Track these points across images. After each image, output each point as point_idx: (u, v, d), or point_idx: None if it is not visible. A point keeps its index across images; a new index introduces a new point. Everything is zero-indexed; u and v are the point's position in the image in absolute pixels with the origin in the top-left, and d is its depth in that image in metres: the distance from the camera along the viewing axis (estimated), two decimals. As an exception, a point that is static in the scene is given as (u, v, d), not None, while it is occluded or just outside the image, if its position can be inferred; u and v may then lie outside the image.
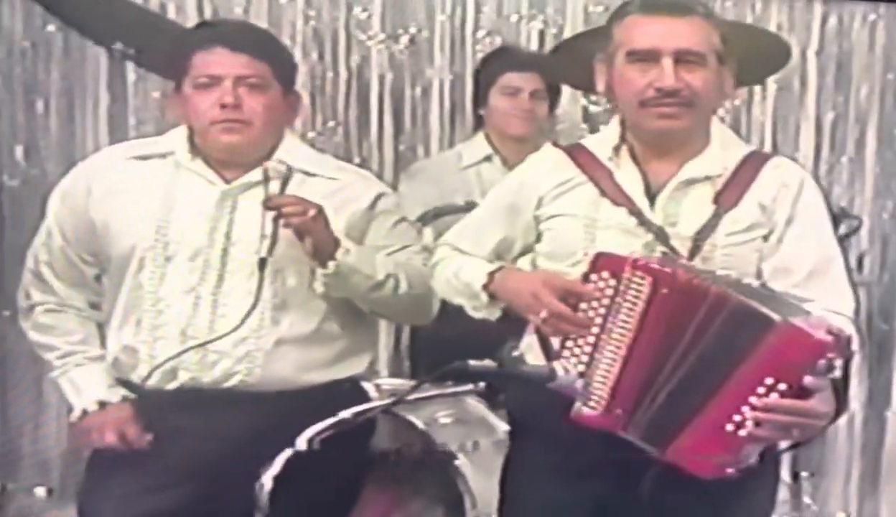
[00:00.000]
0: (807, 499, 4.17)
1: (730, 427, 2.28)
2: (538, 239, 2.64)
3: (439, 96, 4.64)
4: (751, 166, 2.57)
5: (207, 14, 4.45)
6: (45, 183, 4.07)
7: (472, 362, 2.29)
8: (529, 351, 2.53)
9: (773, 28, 4.49)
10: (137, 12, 4.14)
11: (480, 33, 4.59)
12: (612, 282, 2.40)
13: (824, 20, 4.62)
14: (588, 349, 2.41)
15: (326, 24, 4.56)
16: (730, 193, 2.53)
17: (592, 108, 4.47)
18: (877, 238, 4.63)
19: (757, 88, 4.57)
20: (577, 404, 2.40)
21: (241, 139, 2.70)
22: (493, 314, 2.64)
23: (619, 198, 2.54)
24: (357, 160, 4.40)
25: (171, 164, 2.80)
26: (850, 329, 2.37)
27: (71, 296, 2.87)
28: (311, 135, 4.38)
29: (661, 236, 2.50)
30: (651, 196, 2.54)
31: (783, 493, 4.20)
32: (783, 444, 2.40)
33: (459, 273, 2.66)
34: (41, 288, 2.88)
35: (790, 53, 3.91)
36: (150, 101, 4.42)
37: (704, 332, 2.33)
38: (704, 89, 2.49)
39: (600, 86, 2.61)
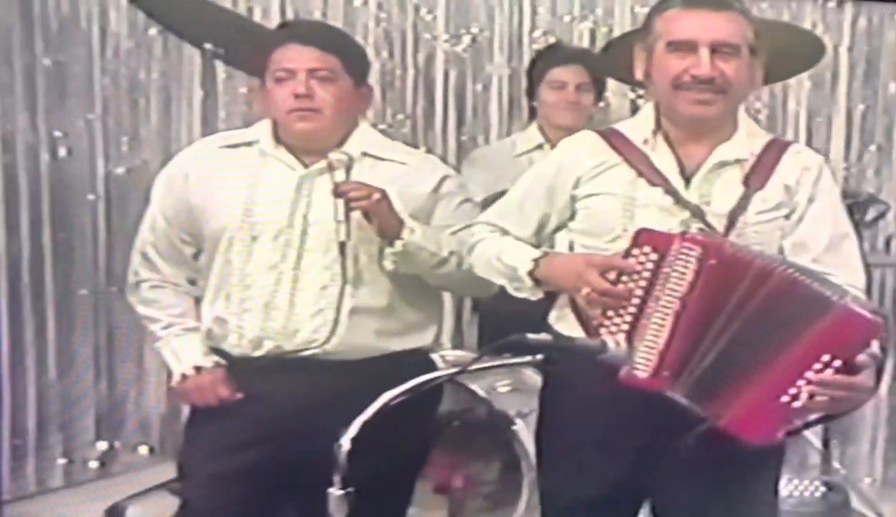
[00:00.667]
0: (836, 465, 4.09)
1: (785, 398, 2.28)
2: (572, 216, 2.61)
3: (498, 90, 4.67)
4: (774, 151, 2.57)
5: (289, 16, 4.48)
6: (146, 171, 4.22)
7: (530, 335, 2.28)
8: (560, 321, 2.59)
9: (807, 26, 4.49)
10: (227, 15, 4.11)
11: (536, 33, 4.64)
12: (654, 256, 2.39)
13: (855, 20, 4.61)
14: (629, 319, 2.39)
15: (395, 26, 4.58)
16: (757, 176, 2.53)
17: (640, 102, 4.42)
18: (904, 221, 4.60)
19: (793, 82, 4.57)
20: (626, 368, 2.36)
21: (314, 126, 2.69)
22: (536, 295, 2.59)
23: (656, 178, 2.52)
24: (423, 149, 4.37)
25: (257, 152, 2.79)
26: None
27: (172, 274, 2.87)
28: (381, 126, 4.33)
29: (698, 213, 2.49)
30: (686, 177, 2.53)
31: (814, 458, 4.18)
32: (816, 415, 2.39)
33: (502, 256, 2.62)
34: (147, 266, 2.88)
35: (825, 50, 3.94)
36: (238, 96, 4.45)
37: (748, 303, 2.34)
38: (737, 79, 2.48)
39: (639, 73, 2.59)
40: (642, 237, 2.41)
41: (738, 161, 2.54)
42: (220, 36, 3.81)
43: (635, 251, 2.40)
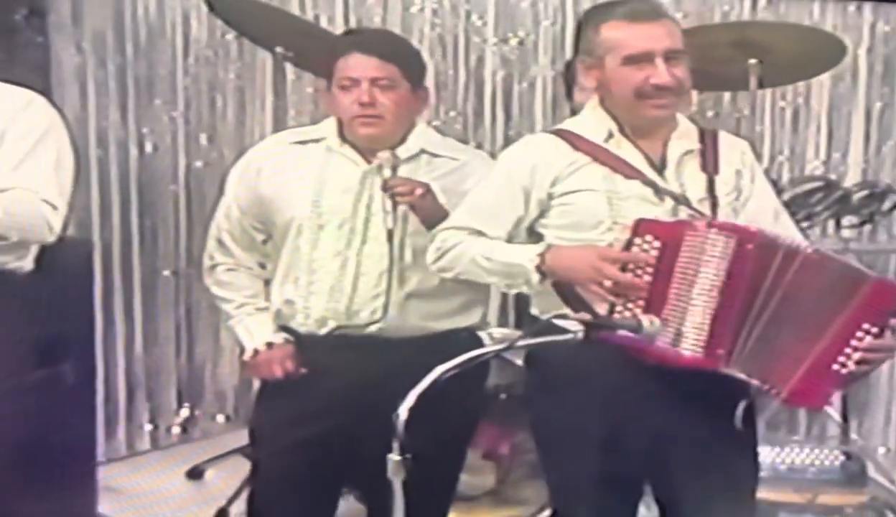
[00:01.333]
0: (854, 436, 4.07)
1: (836, 366, 2.34)
2: (544, 215, 2.53)
3: (542, 90, 4.66)
4: (710, 139, 2.56)
5: (352, 22, 4.50)
6: (222, 164, 4.17)
7: (571, 314, 2.30)
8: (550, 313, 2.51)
9: (828, 29, 4.44)
10: (296, 22, 4.13)
11: (579, 37, 4.63)
12: (657, 244, 2.35)
13: (874, 23, 4.56)
14: (641, 304, 2.34)
15: (448, 30, 4.58)
16: (710, 162, 2.52)
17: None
18: (918, 210, 4.58)
19: (815, 81, 4.53)
20: (670, 348, 2.32)
21: (376, 131, 2.70)
22: (533, 290, 2.52)
23: (631, 172, 2.47)
24: (472, 144, 4.37)
25: (324, 148, 2.79)
26: None
27: (245, 258, 2.89)
28: (435, 123, 4.33)
29: (684, 201, 2.47)
30: (657, 169, 2.49)
31: (833, 430, 4.22)
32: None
33: (493, 255, 2.50)
34: (222, 251, 2.90)
35: (846, 51, 3.89)
36: (305, 95, 4.47)
37: (781, 280, 2.33)
38: (686, 81, 2.47)
39: (591, 83, 2.53)
40: (642, 227, 2.37)
41: (691, 151, 2.53)
42: (289, 40, 3.85)
43: (637, 241, 2.36)
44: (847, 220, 3.83)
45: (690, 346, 2.34)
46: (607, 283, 2.35)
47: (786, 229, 2.55)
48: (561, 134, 2.56)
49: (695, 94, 4.48)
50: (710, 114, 4.58)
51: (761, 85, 3.68)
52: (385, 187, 2.66)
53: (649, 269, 2.34)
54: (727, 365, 2.35)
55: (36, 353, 3.02)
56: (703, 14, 4.54)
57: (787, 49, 3.64)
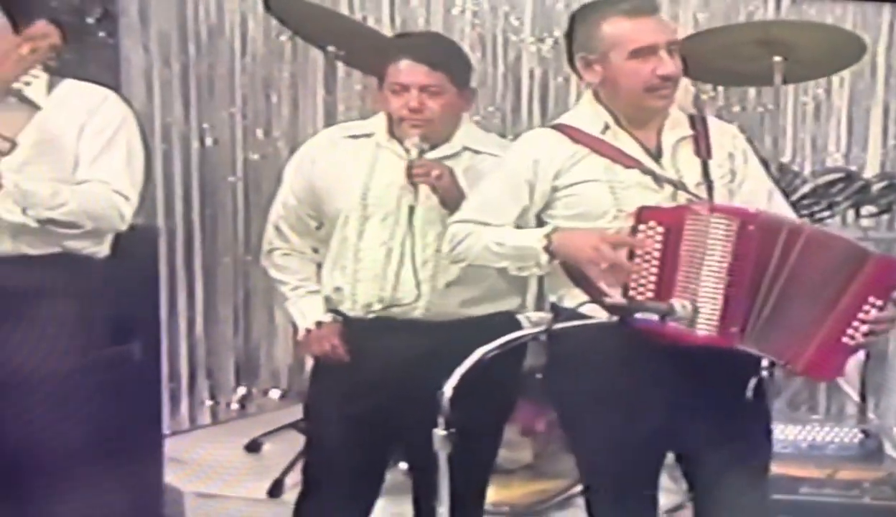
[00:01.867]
0: (871, 415, 4.00)
1: (845, 339, 2.35)
2: (549, 206, 2.52)
3: (576, 86, 4.45)
4: (700, 125, 2.54)
5: (398, 22, 4.51)
6: (278, 157, 4.27)
7: (606, 299, 2.29)
8: (567, 299, 2.52)
9: (849, 27, 4.38)
10: (346, 22, 4.15)
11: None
12: (661, 229, 2.34)
13: (892, 22, 4.51)
14: (652, 287, 2.33)
15: (488, 30, 4.57)
16: (702, 147, 2.51)
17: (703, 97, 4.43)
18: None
19: (836, 78, 4.50)
20: (686, 329, 2.28)
21: (424, 132, 2.70)
22: (544, 270, 2.51)
23: (629, 161, 2.46)
24: (511, 137, 4.11)
25: (373, 143, 2.80)
26: None
27: (300, 243, 2.90)
28: (475, 118, 4.14)
29: (682, 186, 2.45)
30: (653, 157, 2.48)
31: (851, 409, 4.18)
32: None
33: (504, 241, 2.49)
34: (279, 237, 2.91)
35: (866, 49, 3.86)
36: (354, 92, 4.47)
37: (787, 258, 2.32)
38: (681, 71, 2.46)
39: (595, 78, 2.48)
40: (645, 214, 2.36)
41: (685, 137, 2.51)
42: (340, 40, 3.86)
43: (641, 227, 2.35)
44: (866, 210, 3.83)
45: (705, 326, 2.32)
46: (604, 266, 2.34)
47: (780, 208, 2.56)
48: (560, 128, 2.54)
49: (721, 90, 4.51)
50: (735, 108, 4.55)
51: (785, 81, 3.66)
52: (409, 168, 2.67)
53: (655, 254, 2.33)
54: (741, 342, 2.34)
55: (109, 332, 3.04)
56: (730, 13, 4.52)
57: (809, 47, 3.63)
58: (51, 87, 2.88)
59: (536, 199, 2.51)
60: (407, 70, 2.72)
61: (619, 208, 2.43)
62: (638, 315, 2.21)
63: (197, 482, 3.66)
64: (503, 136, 3.41)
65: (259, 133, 4.59)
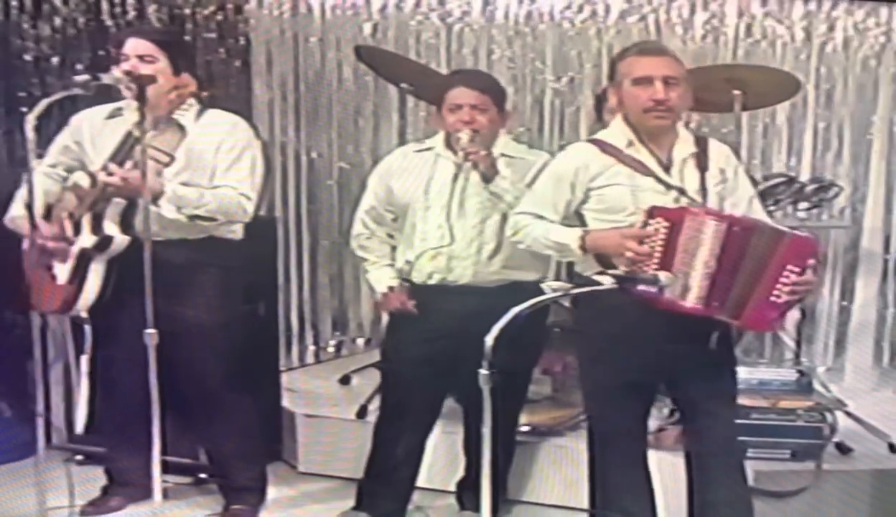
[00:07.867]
0: (803, 359, 3.90)
1: (773, 298, 2.34)
2: (585, 200, 2.49)
3: (586, 113, 4.47)
4: (703, 145, 2.52)
5: (454, 66, 4.45)
6: (363, 167, 4.29)
7: (610, 271, 2.30)
8: (584, 270, 2.50)
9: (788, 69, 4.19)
10: (415, 65, 4.10)
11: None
12: (666, 224, 2.33)
13: (818, 67, 4.36)
14: (655, 267, 2.31)
15: (519, 70, 4.49)
16: (703, 163, 2.48)
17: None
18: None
19: (839, 89, 4.35)
20: (678, 300, 2.31)
21: (478, 138, 2.67)
22: (579, 258, 2.49)
23: (644, 170, 2.44)
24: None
25: (433, 154, 2.81)
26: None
27: (378, 230, 2.90)
28: (509, 135, 4.17)
29: (684, 192, 2.44)
30: (664, 168, 2.45)
31: (789, 354, 4.03)
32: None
33: (549, 235, 2.48)
34: (363, 226, 2.92)
35: (801, 86, 3.79)
36: (420, 118, 4.42)
37: (747, 246, 2.34)
38: (678, 100, 2.43)
39: (614, 101, 2.49)
40: (654, 212, 2.36)
41: (691, 154, 2.48)
42: (410, 78, 3.85)
43: (651, 222, 2.35)
44: (802, 205, 3.74)
45: (694, 299, 2.35)
46: (629, 254, 2.35)
47: (757, 213, 2.54)
48: (595, 142, 2.52)
49: (695, 115, 4.42)
50: (704, 129, 4.44)
51: (743, 108, 3.59)
52: (463, 150, 2.65)
53: (661, 243, 2.33)
54: (720, 313, 2.37)
55: (242, 294, 3.10)
56: (701, 58, 4.42)
57: (761, 83, 3.57)
58: (199, 115, 2.92)
59: (577, 195, 2.49)
60: (461, 93, 2.72)
61: (636, 206, 2.42)
62: (640, 287, 2.21)
63: (305, 407, 3.65)
64: (530, 147, 3.34)
65: (350, 149, 4.56)
